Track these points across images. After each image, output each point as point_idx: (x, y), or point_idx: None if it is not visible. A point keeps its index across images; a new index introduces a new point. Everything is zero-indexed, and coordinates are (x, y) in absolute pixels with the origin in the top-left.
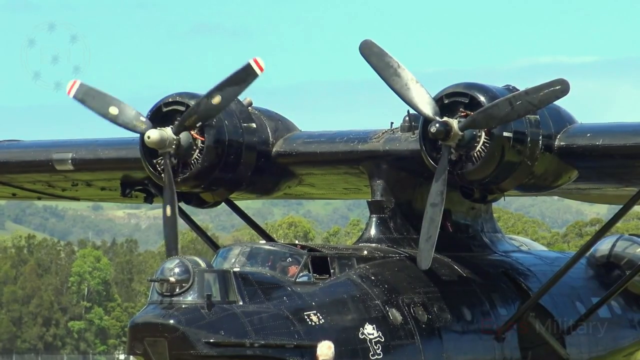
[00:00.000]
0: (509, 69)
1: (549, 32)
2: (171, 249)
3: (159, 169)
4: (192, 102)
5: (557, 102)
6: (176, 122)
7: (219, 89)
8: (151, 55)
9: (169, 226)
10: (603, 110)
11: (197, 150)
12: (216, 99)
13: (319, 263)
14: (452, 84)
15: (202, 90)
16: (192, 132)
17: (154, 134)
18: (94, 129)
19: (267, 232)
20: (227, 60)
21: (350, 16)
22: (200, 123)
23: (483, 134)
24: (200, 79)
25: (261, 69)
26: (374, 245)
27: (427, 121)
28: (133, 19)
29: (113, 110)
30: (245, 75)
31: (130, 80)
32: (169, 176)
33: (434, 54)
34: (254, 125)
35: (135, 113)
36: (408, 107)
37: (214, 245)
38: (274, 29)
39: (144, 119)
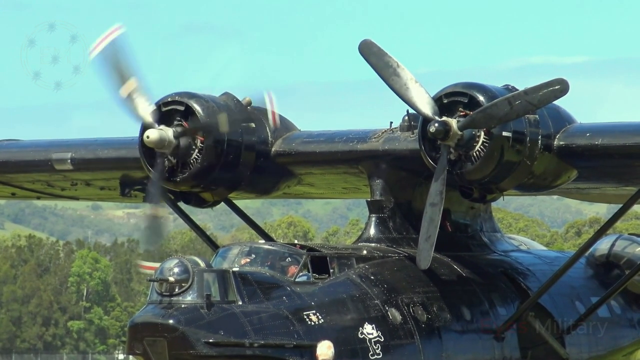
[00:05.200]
0: (501, 69)
1: (540, 32)
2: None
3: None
4: (191, 102)
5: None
6: (178, 128)
7: (223, 120)
8: (146, 55)
9: (152, 224)
10: (594, 110)
11: (197, 150)
12: (224, 127)
13: (318, 263)
14: (449, 84)
15: (199, 90)
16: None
17: (153, 134)
18: (94, 129)
19: (267, 231)
20: (222, 59)
21: (346, 16)
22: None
23: (482, 133)
24: (196, 79)
25: (275, 123)
26: (373, 244)
27: (427, 121)
28: (125, 19)
29: (127, 87)
30: (259, 116)
31: (111, 94)
32: (159, 175)
33: (425, 55)
34: (253, 125)
35: (147, 104)
36: (407, 107)
37: (214, 245)
38: (270, 28)
39: (152, 115)
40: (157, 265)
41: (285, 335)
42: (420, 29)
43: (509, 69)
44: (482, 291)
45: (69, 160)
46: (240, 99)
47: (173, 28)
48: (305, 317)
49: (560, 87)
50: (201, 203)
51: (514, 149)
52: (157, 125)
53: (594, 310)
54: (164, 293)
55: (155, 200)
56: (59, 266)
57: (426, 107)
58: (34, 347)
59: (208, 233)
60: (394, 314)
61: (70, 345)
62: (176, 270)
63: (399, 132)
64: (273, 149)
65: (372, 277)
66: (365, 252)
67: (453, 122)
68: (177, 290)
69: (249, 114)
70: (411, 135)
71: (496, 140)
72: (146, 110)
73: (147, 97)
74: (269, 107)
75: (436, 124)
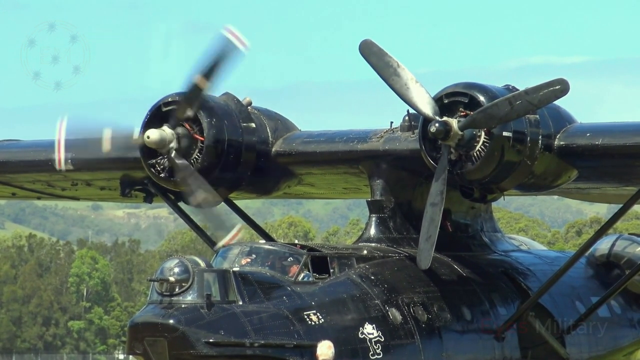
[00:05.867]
0: (500, 69)
1: (540, 32)
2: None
3: (158, 168)
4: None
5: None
6: (179, 128)
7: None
8: (144, 56)
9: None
10: (594, 110)
11: (197, 150)
12: (201, 82)
13: (319, 263)
14: (449, 84)
15: None
16: (192, 133)
17: (153, 134)
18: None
19: (267, 231)
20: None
21: (347, 16)
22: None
23: (483, 133)
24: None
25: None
26: (373, 244)
27: (427, 121)
28: (123, 19)
29: (202, 80)
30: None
31: (125, 81)
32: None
33: (425, 55)
34: (253, 125)
35: (189, 110)
36: (408, 107)
37: (214, 245)
38: (270, 28)
39: (182, 116)
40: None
41: (285, 335)
42: (420, 29)
43: (508, 69)
44: (482, 291)
45: (70, 160)
46: (240, 99)
47: (172, 28)
48: (305, 317)
49: (560, 87)
50: None
51: (515, 149)
52: (168, 126)
53: (594, 310)
54: (165, 293)
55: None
56: (59, 266)
57: (427, 107)
58: (35, 347)
59: (208, 233)
60: (395, 314)
61: (70, 345)
62: (176, 270)
63: (399, 132)
64: (273, 149)
65: (373, 277)
66: (365, 252)
67: (454, 122)
68: (177, 290)
69: (249, 113)
70: (412, 135)
71: (497, 140)
72: (184, 109)
73: (194, 103)
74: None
75: (437, 124)
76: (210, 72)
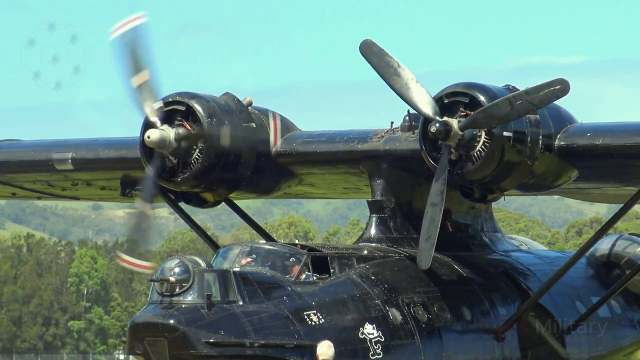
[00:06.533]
0: (499, 69)
1: (539, 32)
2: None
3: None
4: (192, 102)
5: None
6: (180, 130)
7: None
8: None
9: (139, 223)
10: (593, 110)
11: (197, 150)
12: (139, 79)
13: (319, 263)
14: (449, 84)
15: (198, 89)
16: (193, 132)
17: (154, 134)
18: (94, 129)
19: (267, 231)
20: (218, 60)
21: (347, 16)
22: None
23: (483, 133)
24: (193, 79)
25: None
26: (374, 244)
27: (427, 121)
28: (123, 20)
29: (139, 78)
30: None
31: (125, 81)
32: (155, 172)
33: (424, 55)
34: (253, 124)
35: (153, 101)
36: (408, 107)
37: (214, 245)
38: (270, 28)
39: (157, 113)
40: (137, 262)
41: (285, 335)
42: (420, 29)
43: (508, 69)
44: (482, 291)
45: (70, 160)
46: (240, 99)
47: (172, 28)
48: (305, 317)
49: (561, 87)
50: (202, 203)
51: (515, 149)
52: (159, 125)
53: (594, 310)
54: (165, 293)
55: (147, 198)
56: (59, 266)
57: (427, 107)
58: (35, 347)
59: (209, 233)
60: (395, 314)
61: (70, 345)
62: (177, 270)
63: (399, 132)
64: (274, 149)
65: (373, 277)
66: (365, 252)
67: (454, 122)
68: (177, 290)
69: (250, 113)
70: (412, 136)
71: (497, 140)
72: (152, 108)
73: (155, 94)
74: (272, 128)
75: (437, 124)
76: (137, 65)
